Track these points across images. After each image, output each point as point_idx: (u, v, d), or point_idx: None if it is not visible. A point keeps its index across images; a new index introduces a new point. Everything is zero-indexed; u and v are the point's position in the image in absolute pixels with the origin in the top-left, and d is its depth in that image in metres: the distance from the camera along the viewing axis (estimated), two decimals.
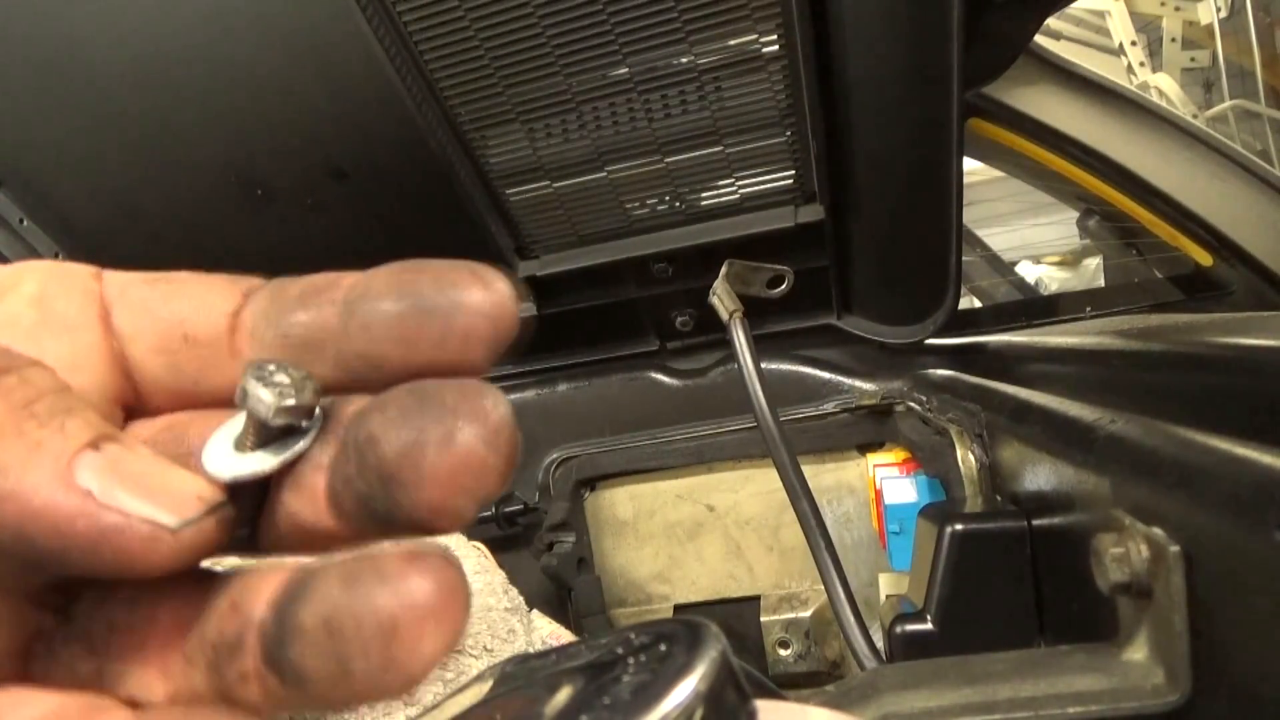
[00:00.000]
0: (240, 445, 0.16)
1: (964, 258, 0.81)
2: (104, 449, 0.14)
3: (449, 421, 0.14)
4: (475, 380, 0.15)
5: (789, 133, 0.74)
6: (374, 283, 0.16)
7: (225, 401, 0.17)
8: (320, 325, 0.16)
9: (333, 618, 0.13)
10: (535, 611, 0.70)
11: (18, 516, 0.14)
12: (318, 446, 0.16)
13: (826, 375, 0.92)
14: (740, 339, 0.66)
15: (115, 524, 0.14)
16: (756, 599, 0.93)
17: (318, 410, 0.16)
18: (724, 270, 0.69)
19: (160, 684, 0.16)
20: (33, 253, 0.87)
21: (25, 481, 0.14)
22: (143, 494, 0.14)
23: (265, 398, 0.15)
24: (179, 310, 0.18)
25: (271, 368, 0.16)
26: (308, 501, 0.16)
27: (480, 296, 0.15)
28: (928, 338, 0.85)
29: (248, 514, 0.17)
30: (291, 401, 0.15)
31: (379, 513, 0.14)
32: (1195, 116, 2.24)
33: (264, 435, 0.16)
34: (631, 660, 0.15)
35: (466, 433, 0.14)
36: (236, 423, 0.16)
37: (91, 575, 0.15)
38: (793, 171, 0.77)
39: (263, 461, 0.16)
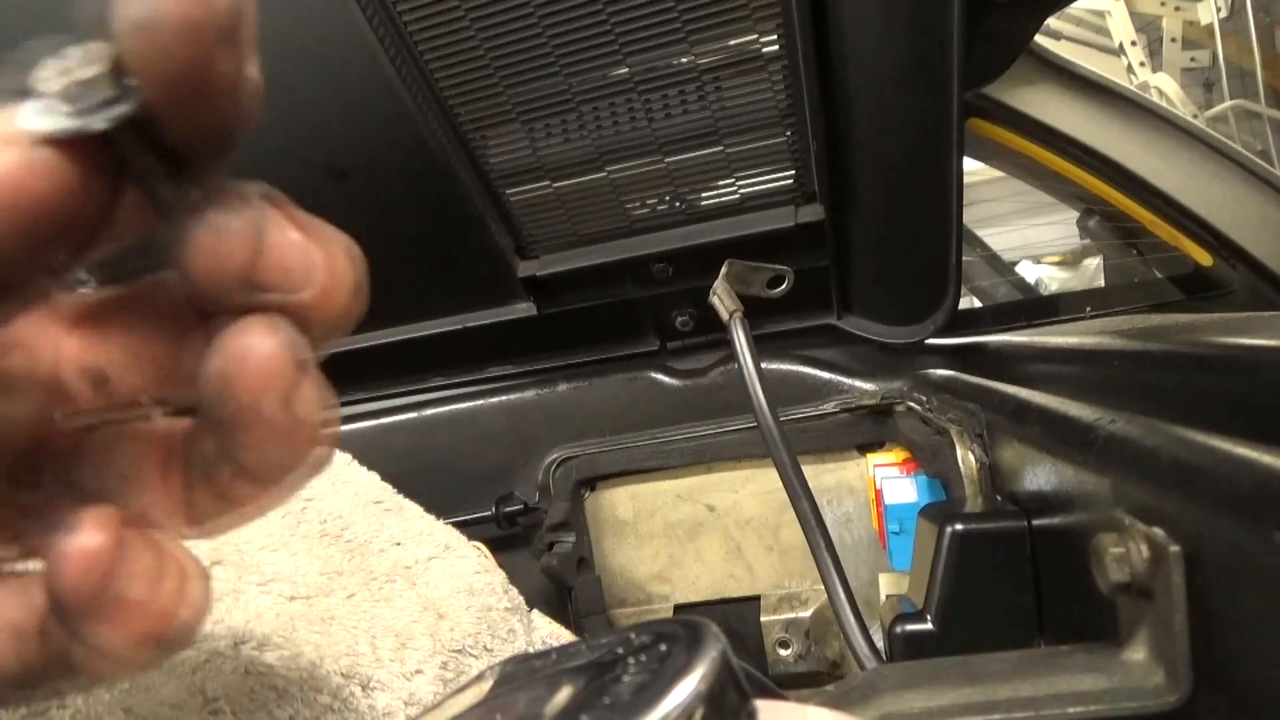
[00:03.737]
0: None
1: (964, 258, 0.81)
2: None
3: None
4: None
5: (789, 133, 0.74)
6: None
7: None
8: None
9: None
10: (535, 611, 0.70)
11: None
12: None
13: (826, 375, 0.92)
14: (740, 339, 0.66)
15: None
16: (756, 599, 0.93)
17: (128, 82, 0.13)
18: (724, 270, 0.69)
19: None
20: None
21: None
22: None
23: (49, 71, 0.13)
24: None
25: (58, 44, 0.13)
26: None
27: None
28: (928, 338, 0.85)
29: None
30: (91, 72, 0.13)
31: None
32: (1195, 116, 2.24)
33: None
34: (631, 660, 0.15)
35: None
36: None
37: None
38: (793, 171, 0.77)
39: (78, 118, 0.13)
